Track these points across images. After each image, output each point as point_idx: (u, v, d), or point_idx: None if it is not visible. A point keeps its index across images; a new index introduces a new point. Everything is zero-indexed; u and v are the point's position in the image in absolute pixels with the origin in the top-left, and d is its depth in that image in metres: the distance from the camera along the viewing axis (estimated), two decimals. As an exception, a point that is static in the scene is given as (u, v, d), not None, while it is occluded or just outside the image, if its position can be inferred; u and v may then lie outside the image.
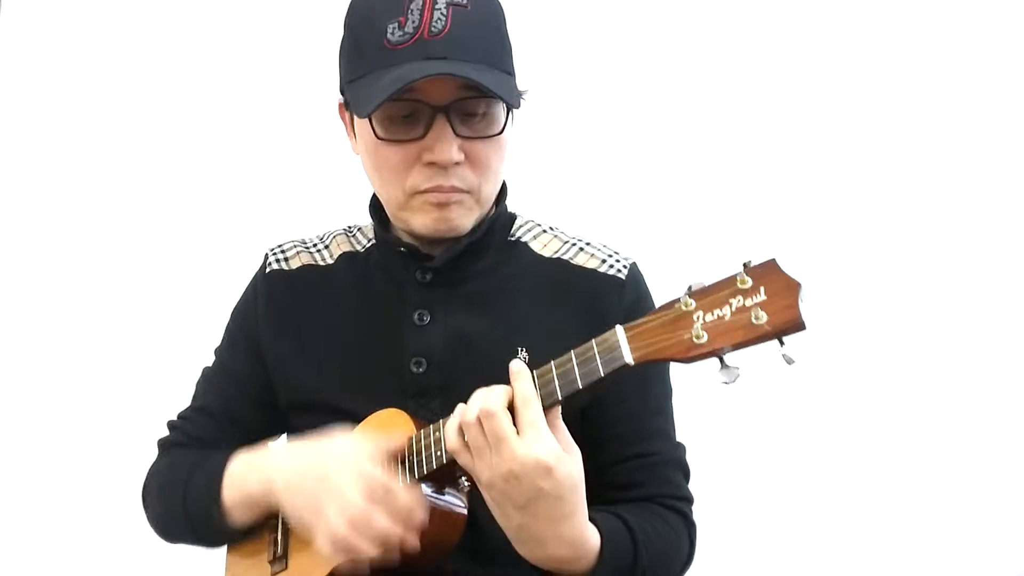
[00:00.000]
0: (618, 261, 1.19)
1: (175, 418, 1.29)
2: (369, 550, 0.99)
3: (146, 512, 1.25)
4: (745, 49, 2.10)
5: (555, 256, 1.20)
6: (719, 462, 1.32)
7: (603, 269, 1.18)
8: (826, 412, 2.02)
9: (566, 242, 1.22)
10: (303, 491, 1.05)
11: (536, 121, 1.19)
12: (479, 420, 0.93)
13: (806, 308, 0.81)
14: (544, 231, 1.24)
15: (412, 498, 1.00)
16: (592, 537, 0.99)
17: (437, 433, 1.02)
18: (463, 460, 0.96)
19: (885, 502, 2.00)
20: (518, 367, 0.95)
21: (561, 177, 2.03)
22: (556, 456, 0.92)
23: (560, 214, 1.28)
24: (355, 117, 1.13)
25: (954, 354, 2.02)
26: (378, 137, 1.08)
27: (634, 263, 1.20)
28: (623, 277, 1.17)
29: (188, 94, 2.17)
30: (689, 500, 1.16)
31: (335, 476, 1.01)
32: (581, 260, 1.19)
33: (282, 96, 2.12)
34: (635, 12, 2.11)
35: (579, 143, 2.08)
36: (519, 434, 0.92)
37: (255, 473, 1.12)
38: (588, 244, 1.21)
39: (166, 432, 1.29)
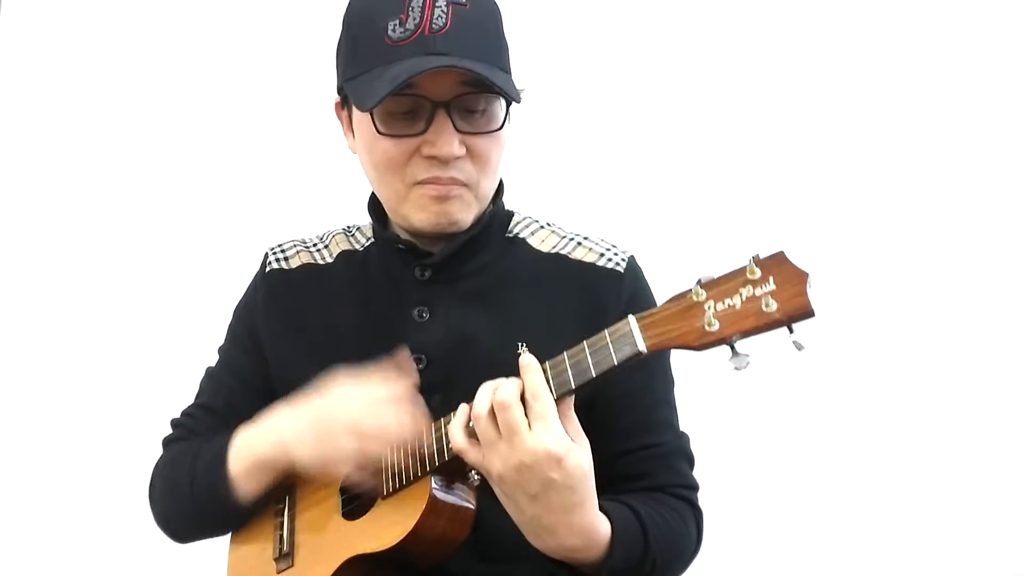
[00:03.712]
0: (616, 254, 1.21)
1: (179, 415, 1.30)
2: (385, 442, 1.05)
3: (152, 510, 1.25)
4: (740, 43, 2.13)
5: (553, 251, 1.21)
6: (721, 455, 1.34)
7: (602, 263, 1.19)
8: (826, 411, 2.04)
9: (563, 237, 1.23)
10: (313, 432, 1.08)
11: (531, 119, 1.20)
12: (492, 412, 0.95)
13: (814, 296, 0.83)
14: (541, 227, 1.25)
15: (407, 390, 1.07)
16: (603, 526, 1.01)
17: (447, 426, 1.03)
18: (471, 457, 0.98)
19: (886, 501, 2.02)
20: (528, 360, 0.97)
21: (557, 175, 2.04)
22: (566, 447, 0.94)
23: (557, 211, 1.30)
24: (353, 115, 1.14)
25: (954, 354, 2.04)
26: (379, 132, 1.09)
27: (632, 256, 1.22)
28: (622, 270, 1.19)
29: (187, 95, 2.17)
30: (695, 488, 1.19)
31: (338, 405, 1.07)
32: (579, 254, 1.21)
33: (280, 97, 2.13)
34: (629, 8, 2.13)
35: (574, 141, 2.09)
36: (529, 427, 0.93)
37: (262, 436, 1.14)
38: (586, 239, 1.23)
39: (169, 431, 1.29)
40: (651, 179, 2.10)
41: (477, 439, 0.97)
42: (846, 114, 2.10)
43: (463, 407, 0.99)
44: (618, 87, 2.12)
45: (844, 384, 2.04)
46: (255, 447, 1.14)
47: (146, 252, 2.13)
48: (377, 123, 1.09)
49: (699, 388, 1.33)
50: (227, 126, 2.15)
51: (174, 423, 1.30)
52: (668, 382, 1.22)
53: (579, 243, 1.22)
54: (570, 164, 2.08)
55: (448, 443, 1.02)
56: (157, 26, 2.18)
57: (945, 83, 2.10)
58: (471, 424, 0.97)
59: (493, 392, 0.95)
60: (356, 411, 1.06)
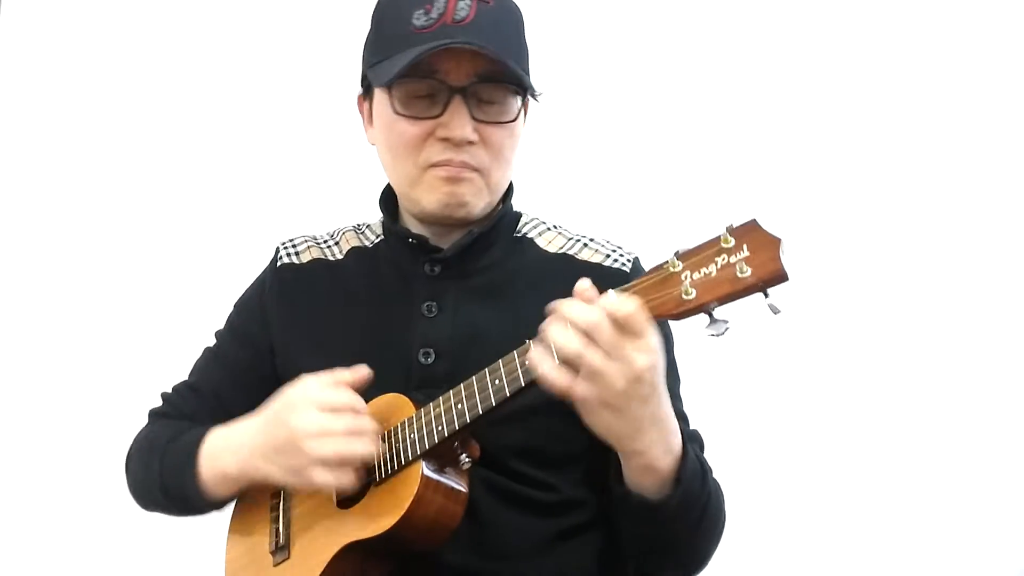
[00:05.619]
0: (622, 255, 1.24)
1: (170, 390, 1.34)
2: (357, 451, 1.04)
3: (127, 478, 1.28)
4: (745, 49, 2.15)
5: (560, 252, 1.24)
6: (723, 456, 1.35)
7: (608, 263, 1.22)
8: (824, 412, 2.02)
9: (570, 239, 1.26)
10: (278, 450, 1.08)
11: (540, 123, 1.23)
12: (590, 339, 0.90)
13: (788, 261, 0.85)
14: (548, 228, 1.29)
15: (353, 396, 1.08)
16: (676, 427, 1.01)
17: (437, 409, 1.05)
18: (579, 391, 0.91)
19: (886, 501, 1.98)
20: (584, 284, 0.94)
21: (564, 178, 2.06)
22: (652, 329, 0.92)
23: (563, 214, 1.33)
24: (374, 101, 1.20)
25: (953, 353, 2.02)
26: (396, 112, 1.15)
27: (636, 257, 1.25)
28: (627, 271, 1.22)
29: (197, 92, 2.19)
30: (711, 471, 1.17)
31: (293, 416, 1.07)
32: (586, 255, 1.24)
33: (293, 94, 2.16)
34: (634, 13, 2.17)
35: (580, 145, 2.12)
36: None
37: (229, 453, 1.15)
38: (592, 240, 1.26)
39: (159, 403, 1.33)
40: (653, 184, 2.11)
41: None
42: (841, 113, 2.10)
43: (533, 350, 0.94)
44: (623, 92, 2.14)
45: (840, 385, 2.01)
46: (223, 463, 1.16)
47: (158, 250, 2.15)
48: (396, 104, 1.15)
49: (699, 390, 1.34)
50: (238, 124, 2.17)
51: (164, 396, 1.34)
52: (676, 379, 1.23)
53: (585, 244, 1.25)
54: (576, 169, 2.10)
55: (440, 429, 1.02)
56: (163, 23, 2.21)
57: (920, 71, 2.10)
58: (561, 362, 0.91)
59: (569, 324, 0.91)
60: (306, 416, 1.06)
